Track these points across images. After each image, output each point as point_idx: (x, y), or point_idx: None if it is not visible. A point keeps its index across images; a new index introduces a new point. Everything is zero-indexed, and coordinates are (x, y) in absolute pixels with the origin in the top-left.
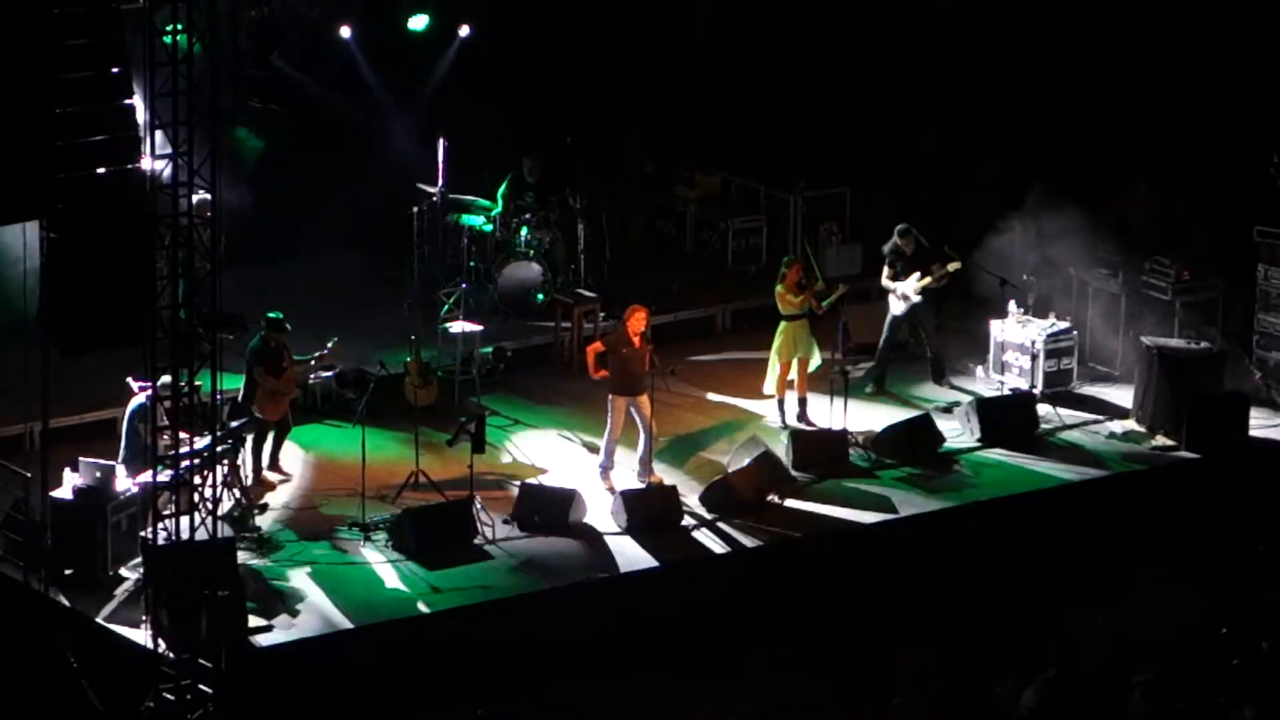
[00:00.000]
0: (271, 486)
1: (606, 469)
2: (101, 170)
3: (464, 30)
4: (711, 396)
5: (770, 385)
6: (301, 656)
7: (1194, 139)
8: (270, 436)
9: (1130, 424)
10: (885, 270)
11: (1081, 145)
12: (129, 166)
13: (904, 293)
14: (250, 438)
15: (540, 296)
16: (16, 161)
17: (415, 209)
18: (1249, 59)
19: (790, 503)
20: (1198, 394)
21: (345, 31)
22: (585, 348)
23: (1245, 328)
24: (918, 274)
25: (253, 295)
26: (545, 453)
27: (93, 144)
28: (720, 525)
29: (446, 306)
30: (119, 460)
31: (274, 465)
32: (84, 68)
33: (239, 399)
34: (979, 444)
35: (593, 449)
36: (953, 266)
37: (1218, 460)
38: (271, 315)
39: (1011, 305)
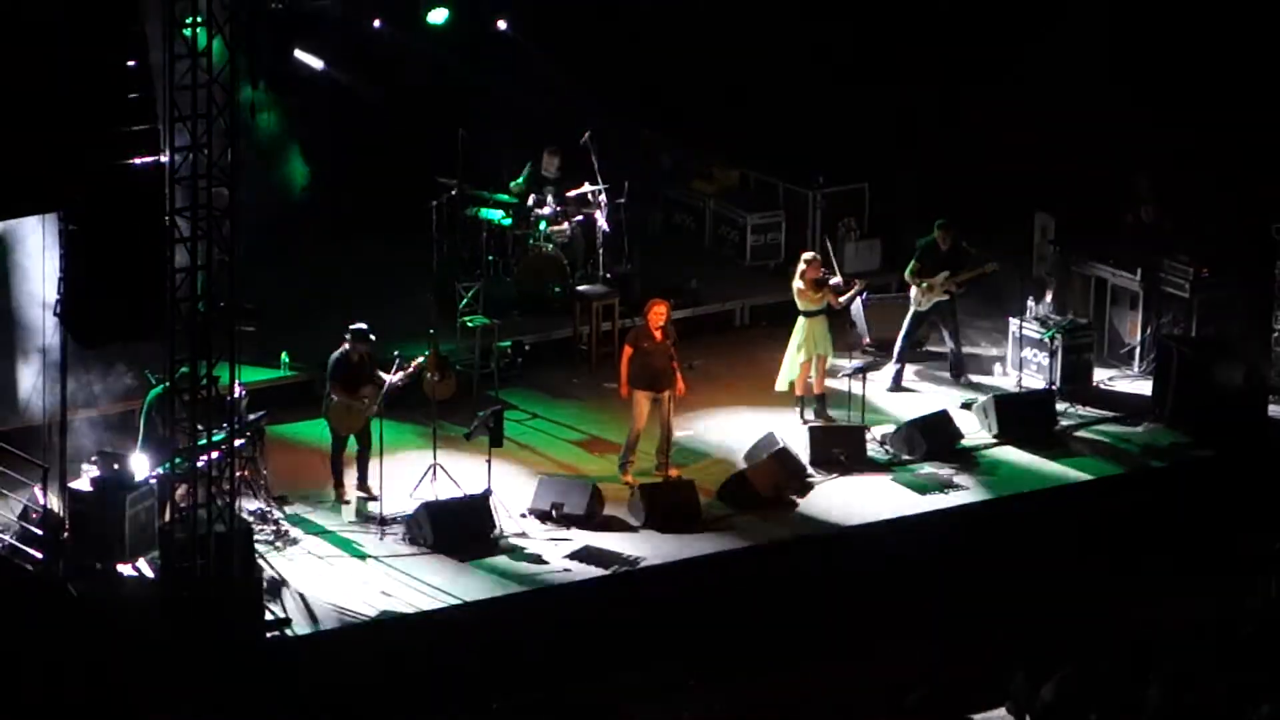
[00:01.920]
0: (345, 500)
1: (626, 463)
2: (120, 162)
3: (502, 24)
4: (729, 392)
5: (785, 380)
6: (318, 649)
7: (1212, 137)
8: (349, 450)
9: (1148, 421)
10: (912, 264)
11: (1099, 143)
12: (148, 159)
13: (930, 287)
14: (330, 449)
15: (558, 290)
16: (36, 153)
17: (434, 202)
18: (1268, 56)
19: (807, 498)
20: (1216, 391)
21: (376, 23)
22: (621, 358)
23: (1263, 325)
24: (947, 271)
25: (274, 287)
26: (563, 446)
27: (112, 136)
28: (738, 520)
29: (465, 300)
30: (137, 452)
31: (362, 483)
32: (103, 60)
33: (322, 409)
34: (997, 440)
35: (611, 443)
36: (990, 268)
37: (1236, 456)
38: (355, 327)
39: (1030, 301)
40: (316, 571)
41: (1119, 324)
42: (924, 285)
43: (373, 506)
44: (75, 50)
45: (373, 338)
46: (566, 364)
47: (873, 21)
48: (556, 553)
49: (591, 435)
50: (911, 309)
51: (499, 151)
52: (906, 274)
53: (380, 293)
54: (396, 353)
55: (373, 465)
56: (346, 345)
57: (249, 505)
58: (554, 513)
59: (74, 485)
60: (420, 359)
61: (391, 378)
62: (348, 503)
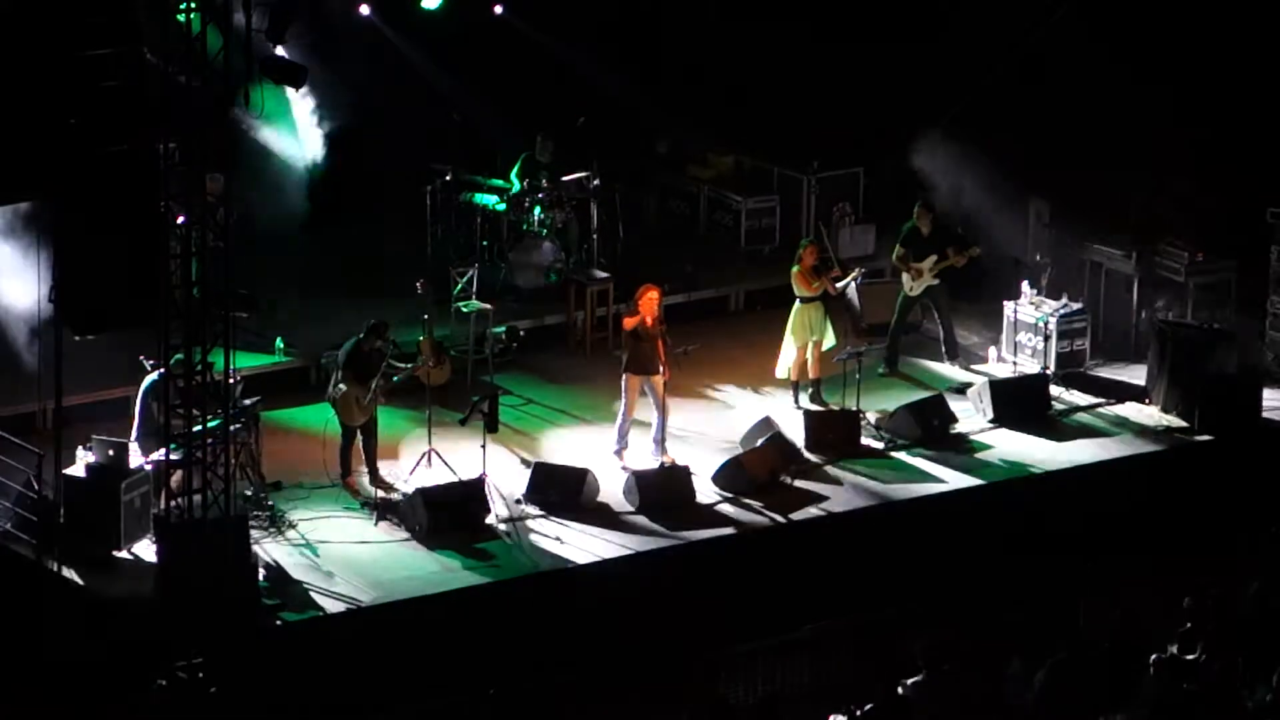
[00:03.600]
0: (355, 491)
1: (620, 448)
2: (115, 149)
3: (497, 9)
4: (724, 377)
5: (784, 366)
6: (313, 635)
7: (1207, 121)
8: (358, 443)
9: (1142, 405)
10: (898, 249)
11: (1093, 127)
12: (142, 145)
13: (919, 272)
14: (340, 441)
15: (553, 276)
16: (31, 139)
17: (428, 188)
18: (1262, 39)
19: (803, 483)
20: (1210, 375)
21: (364, 9)
22: (624, 323)
23: (1258, 309)
24: (934, 256)
25: (269, 273)
26: (558, 432)
27: (106, 122)
28: (733, 505)
29: (459, 286)
30: (132, 438)
31: (374, 476)
32: (98, 46)
33: (327, 397)
34: (991, 425)
35: (606, 428)
36: (973, 252)
37: (1230, 441)
38: (374, 321)
39: (1024, 286)
40: (311, 557)
41: (1113, 307)
42: (914, 271)
43: (367, 491)
44: (71, 37)
45: (390, 333)
46: (561, 349)
47: (872, 6)
48: (551, 538)
49: (586, 420)
50: (902, 293)
51: (494, 136)
52: (894, 258)
53: (375, 278)
54: (392, 337)
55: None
56: (361, 335)
57: (244, 491)
58: (549, 498)
59: (69, 471)
60: (415, 363)
61: (406, 368)
62: (357, 493)
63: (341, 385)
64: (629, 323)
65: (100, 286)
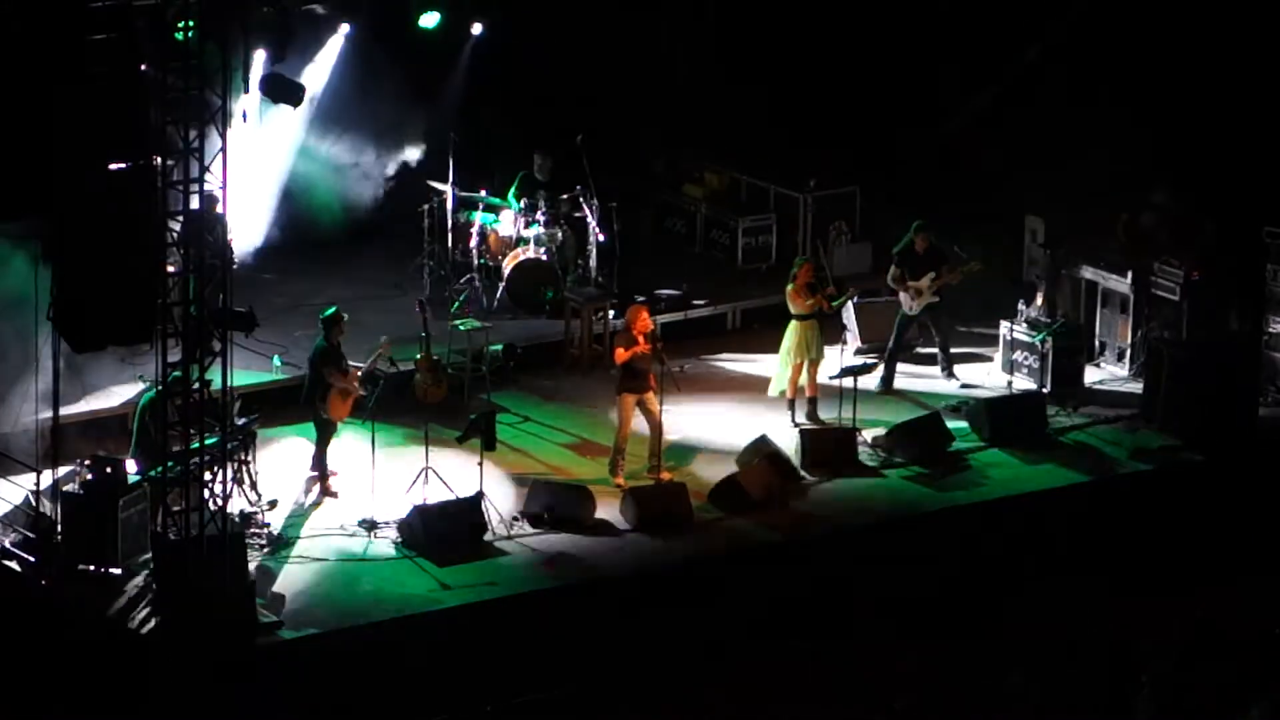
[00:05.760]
0: (332, 494)
1: (617, 466)
2: (113, 166)
3: (476, 28)
4: (720, 395)
5: (779, 385)
6: (310, 653)
7: (1201, 140)
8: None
9: (1139, 424)
10: (893, 270)
11: (1088, 145)
12: (140, 162)
13: (917, 290)
14: (317, 439)
15: (550, 294)
16: (29, 156)
17: (425, 206)
18: (1257, 60)
19: (799, 501)
20: (1206, 394)
21: (345, 28)
22: (621, 350)
23: (1255, 328)
24: (933, 273)
25: (263, 291)
26: (555, 450)
27: (104, 139)
28: (729, 523)
29: (456, 304)
30: (129, 455)
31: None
32: (95, 63)
33: (303, 399)
34: (988, 443)
35: (602, 446)
36: (972, 267)
37: (1226, 459)
38: (327, 312)
39: (1021, 304)
40: (308, 574)
41: (1109, 327)
42: (911, 290)
43: (365, 510)
44: (70, 55)
45: (345, 315)
46: (558, 367)
47: (865, 24)
48: (549, 555)
49: (583, 438)
50: (900, 312)
51: (491, 155)
52: (889, 279)
53: (372, 295)
54: (384, 337)
55: (364, 468)
56: (324, 333)
57: (241, 508)
58: (546, 516)
59: (67, 488)
60: (384, 338)
61: (367, 363)
62: (335, 495)
63: (326, 386)
64: (623, 355)
65: (99, 303)
